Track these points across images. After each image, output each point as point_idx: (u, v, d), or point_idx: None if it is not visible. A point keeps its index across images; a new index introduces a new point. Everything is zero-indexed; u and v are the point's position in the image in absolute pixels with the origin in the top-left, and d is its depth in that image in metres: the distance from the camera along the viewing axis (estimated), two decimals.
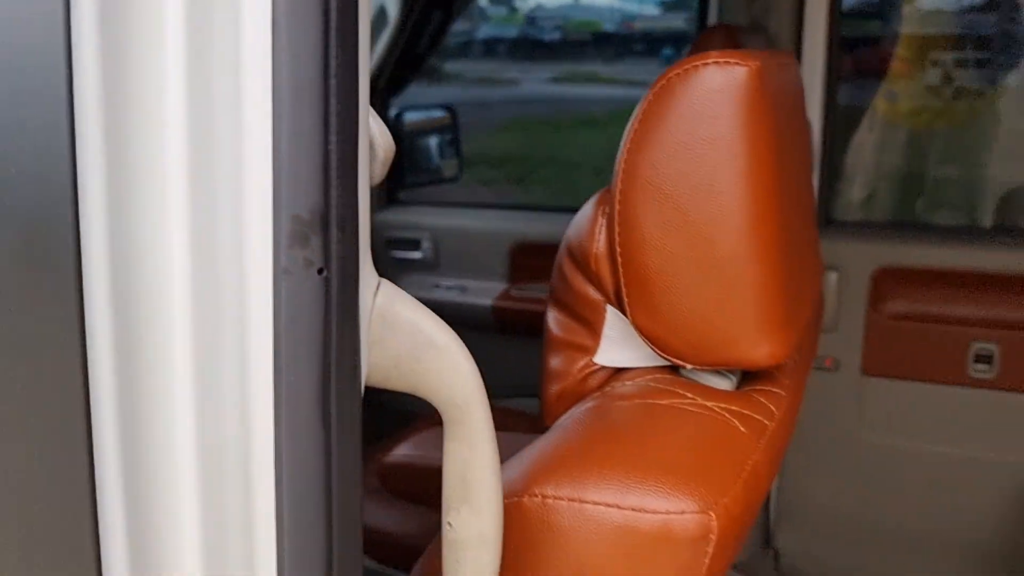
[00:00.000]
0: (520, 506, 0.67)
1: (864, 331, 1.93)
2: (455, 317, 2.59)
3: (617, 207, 0.79)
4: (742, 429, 0.73)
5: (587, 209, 0.87)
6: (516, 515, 0.67)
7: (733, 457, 0.70)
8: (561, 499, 0.66)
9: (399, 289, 0.56)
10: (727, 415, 0.74)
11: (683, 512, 0.63)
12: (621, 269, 0.78)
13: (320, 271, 0.46)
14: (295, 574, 0.47)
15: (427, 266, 2.46)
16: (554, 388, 0.86)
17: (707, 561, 0.63)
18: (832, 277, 1.91)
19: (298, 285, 0.46)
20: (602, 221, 0.83)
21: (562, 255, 0.89)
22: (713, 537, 0.63)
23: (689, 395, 0.76)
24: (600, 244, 0.82)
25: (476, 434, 0.56)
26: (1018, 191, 2.21)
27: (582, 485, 0.67)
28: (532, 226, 2.39)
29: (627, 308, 0.79)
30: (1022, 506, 1.88)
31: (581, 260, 0.85)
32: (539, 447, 0.74)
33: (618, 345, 0.82)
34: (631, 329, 0.79)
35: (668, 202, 0.76)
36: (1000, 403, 1.86)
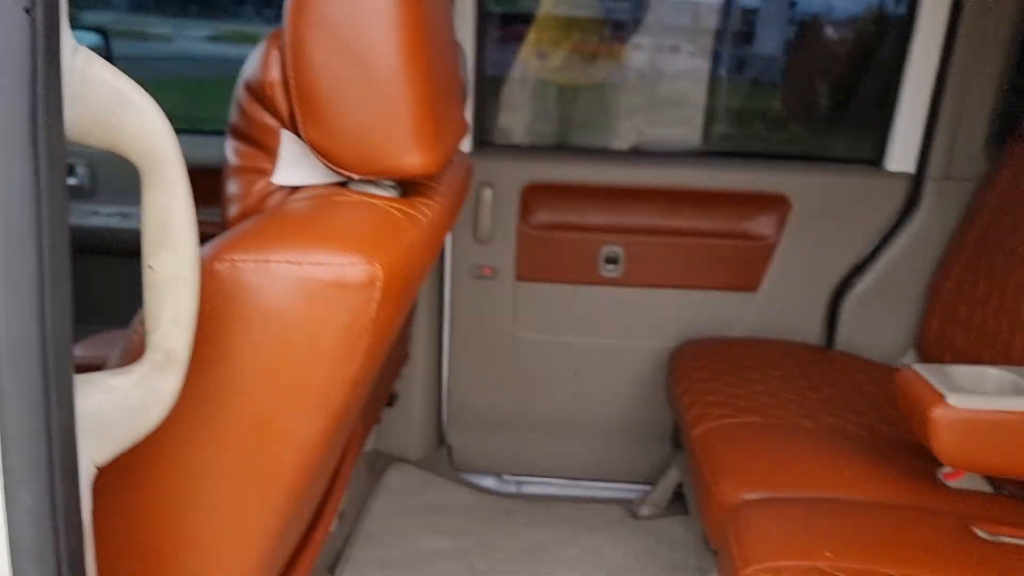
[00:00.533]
0: (212, 270, 0.72)
1: (516, 241, 2.17)
2: (115, 244, 2.45)
3: (288, 39, 0.86)
4: (401, 216, 0.84)
5: (260, 47, 0.94)
6: (209, 279, 0.72)
7: (394, 233, 0.81)
8: (248, 261, 0.73)
9: (96, 55, 0.58)
10: (389, 208, 0.85)
11: (354, 263, 0.73)
12: (294, 92, 0.85)
13: (27, 10, 0.48)
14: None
15: (83, 194, 2.29)
16: (234, 210, 0.91)
17: (375, 306, 0.73)
18: (487, 193, 2.12)
19: (5, 19, 0.47)
20: (275, 53, 0.91)
21: (239, 91, 0.94)
22: (379, 284, 0.73)
23: (356, 197, 0.86)
24: (274, 74, 0.89)
25: (173, 183, 0.60)
26: (635, 125, 2.60)
27: (266, 250, 0.74)
28: (198, 151, 2.33)
29: (300, 127, 0.86)
30: (649, 384, 2.24)
31: (257, 90, 0.91)
32: (225, 234, 0.79)
33: (294, 165, 0.89)
34: (305, 150, 0.87)
35: (333, 32, 0.85)
36: (627, 298, 2.21)
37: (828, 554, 1.24)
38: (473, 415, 2.31)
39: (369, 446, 2.13)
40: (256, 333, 0.72)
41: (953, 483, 1.52)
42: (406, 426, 2.26)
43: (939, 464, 1.53)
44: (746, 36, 2.72)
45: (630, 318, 2.22)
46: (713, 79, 2.64)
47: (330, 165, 0.85)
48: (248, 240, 0.74)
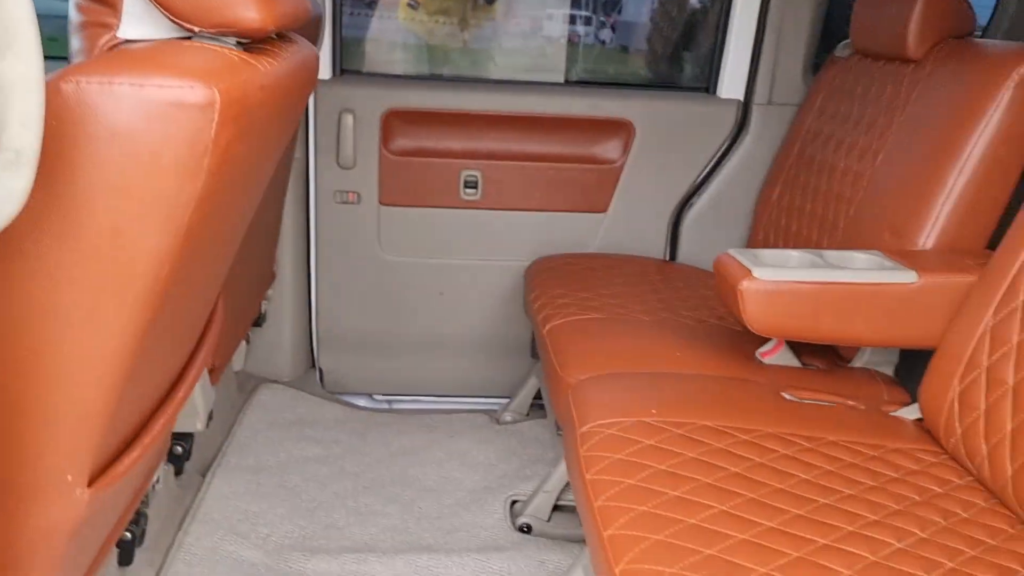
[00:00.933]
0: (57, 89, 0.78)
1: (379, 167, 2.25)
2: None
3: None
4: (238, 60, 0.92)
5: None
6: (54, 98, 0.77)
7: (234, 68, 0.89)
8: (92, 83, 0.79)
9: None
10: (228, 53, 0.93)
11: (192, 86, 0.81)
12: None
13: None
14: None
15: None
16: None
17: (214, 127, 0.81)
18: (348, 119, 2.18)
19: None
20: None
21: None
22: (217, 106, 0.81)
23: (198, 44, 0.93)
24: None
25: None
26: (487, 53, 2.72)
27: (110, 72, 0.80)
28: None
29: None
30: (509, 301, 2.38)
31: None
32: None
33: (137, 19, 0.95)
34: (148, 4, 0.92)
35: None
36: (485, 220, 2.33)
37: (654, 411, 1.40)
38: (343, 337, 2.39)
39: (239, 366, 2.17)
40: (103, 150, 0.78)
41: (768, 360, 1.73)
42: (276, 348, 2.32)
43: (757, 346, 1.73)
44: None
45: (489, 239, 2.35)
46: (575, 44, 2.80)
47: (172, 18, 0.91)
48: (93, 65, 0.81)
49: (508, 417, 2.29)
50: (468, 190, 2.31)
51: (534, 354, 2.35)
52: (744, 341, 1.75)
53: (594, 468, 1.24)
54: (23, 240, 0.78)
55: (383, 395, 2.45)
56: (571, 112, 2.29)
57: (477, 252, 2.35)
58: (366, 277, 2.34)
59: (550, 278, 2.10)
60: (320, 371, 2.41)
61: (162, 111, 0.79)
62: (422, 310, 2.38)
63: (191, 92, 0.80)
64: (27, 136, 0.67)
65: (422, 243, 2.34)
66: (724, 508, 1.15)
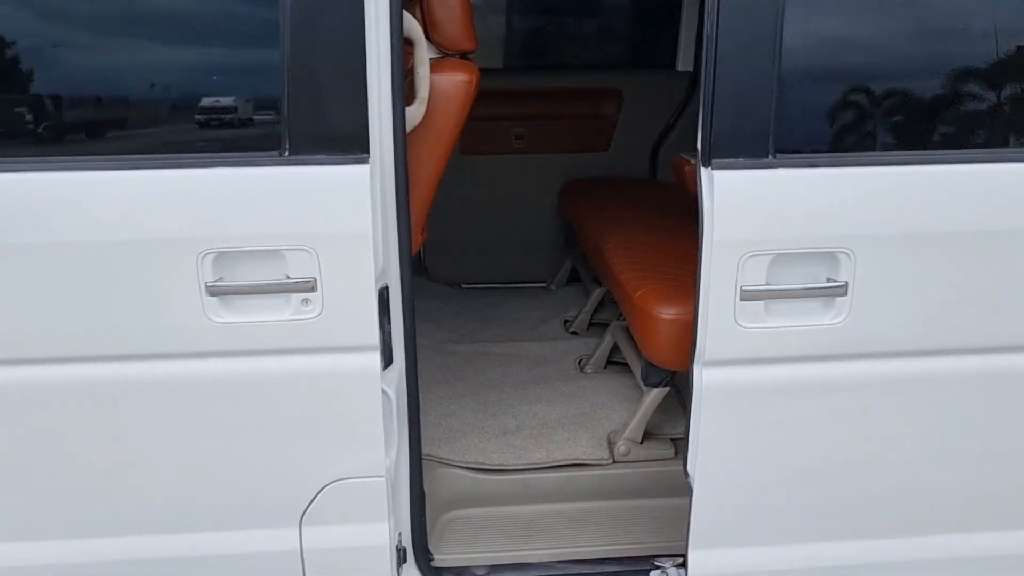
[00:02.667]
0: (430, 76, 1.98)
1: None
2: None
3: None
4: (468, 63, 2.12)
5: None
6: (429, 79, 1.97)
7: (470, 66, 2.08)
8: (436, 74, 1.99)
9: None
10: (463, 60, 2.13)
11: (467, 74, 2.01)
12: (426, 16, 2.09)
13: None
14: None
15: None
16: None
17: (472, 89, 2.03)
18: None
19: None
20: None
21: None
22: (474, 81, 2.02)
23: (453, 59, 2.13)
24: (416, 11, 2.12)
25: None
26: None
27: (437, 71, 2.00)
28: None
29: (429, 32, 2.10)
30: (547, 210, 3.59)
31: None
32: None
33: (424, 49, 2.12)
34: (427, 43, 2.10)
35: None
36: (530, 160, 3.55)
37: None
38: (440, 241, 3.60)
39: None
40: (439, 103, 1.99)
41: None
42: None
43: None
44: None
45: (533, 173, 3.56)
46: None
47: (440, 48, 2.07)
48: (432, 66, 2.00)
49: (553, 287, 3.52)
50: (517, 141, 3.52)
51: (567, 244, 3.56)
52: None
53: None
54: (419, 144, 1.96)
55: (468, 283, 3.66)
56: (581, 85, 3.50)
57: (524, 181, 3.57)
58: (454, 198, 3.53)
59: (576, 194, 3.31)
60: (426, 268, 3.63)
61: (457, 85, 1.98)
62: (490, 219, 3.58)
63: (466, 76, 1.99)
64: (424, 92, 1.87)
65: (490, 178, 3.55)
66: None
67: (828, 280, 1.57)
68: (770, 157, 1.53)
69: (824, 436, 1.69)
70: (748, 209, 1.54)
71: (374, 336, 1.58)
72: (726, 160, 1.53)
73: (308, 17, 1.46)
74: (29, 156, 1.48)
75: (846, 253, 1.56)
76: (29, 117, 1.51)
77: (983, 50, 1.57)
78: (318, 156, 1.50)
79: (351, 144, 1.51)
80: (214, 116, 1.53)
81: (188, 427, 1.61)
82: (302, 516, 1.71)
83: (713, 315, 1.57)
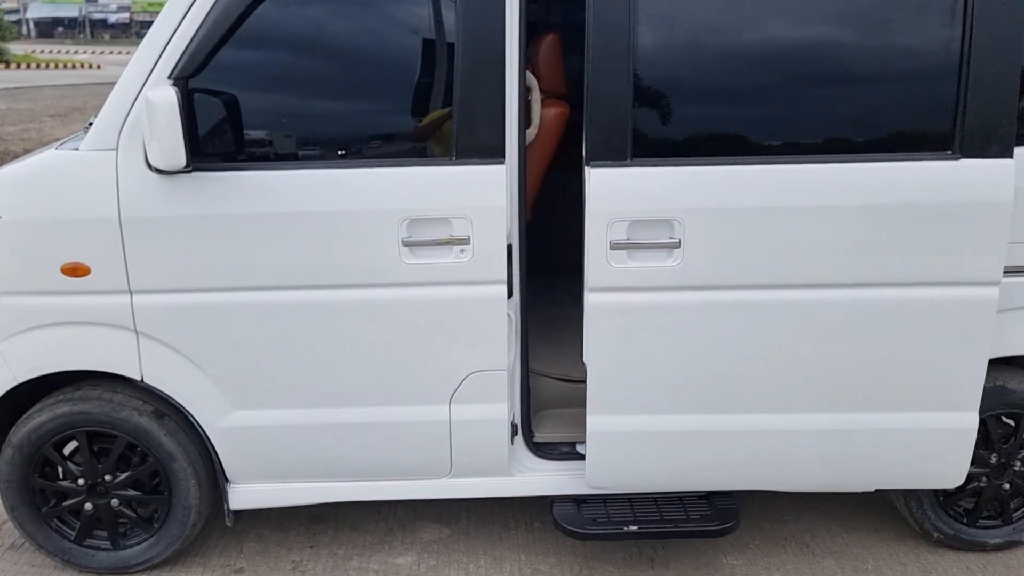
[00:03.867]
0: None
1: None
2: None
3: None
4: (557, 100, 3.04)
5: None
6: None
7: (561, 103, 3.01)
8: (545, 106, 2.92)
9: None
10: (551, 99, 3.05)
11: (563, 107, 2.94)
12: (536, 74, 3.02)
13: None
14: None
15: None
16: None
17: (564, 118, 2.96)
18: None
19: None
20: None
21: None
22: (566, 114, 2.94)
23: (543, 98, 3.06)
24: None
25: None
26: None
27: (544, 107, 2.93)
28: None
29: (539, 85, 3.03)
30: None
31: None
32: None
33: (536, 94, 3.05)
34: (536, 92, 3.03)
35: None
36: None
37: None
38: None
39: None
40: None
41: None
42: None
43: None
44: None
45: None
46: None
47: (543, 91, 2.99)
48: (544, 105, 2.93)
49: None
50: None
51: None
52: None
53: None
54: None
55: None
56: None
57: None
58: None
59: None
60: None
61: (555, 115, 2.91)
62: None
63: (560, 109, 2.91)
64: (536, 119, 2.81)
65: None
66: None
67: (668, 237, 2.41)
68: (628, 160, 2.40)
69: (672, 338, 2.49)
70: (613, 193, 2.39)
71: (503, 275, 2.50)
72: (599, 162, 2.40)
73: (473, 76, 2.40)
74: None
75: (678, 220, 2.41)
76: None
77: (768, 83, 2.40)
78: (474, 159, 2.44)
79: (494, 152, 2.44)
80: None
81: (395, 335, 2.53)
82: (451, 397, 2.62)
83: (592, 259, 2.43)
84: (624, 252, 2.43)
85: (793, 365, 2.53)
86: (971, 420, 2.59)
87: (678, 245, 2.42)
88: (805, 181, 2.40)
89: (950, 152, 2.39)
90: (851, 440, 2.60)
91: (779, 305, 2.48)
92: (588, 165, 2.41)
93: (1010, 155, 2.36)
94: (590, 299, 2.48)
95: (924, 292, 2.46)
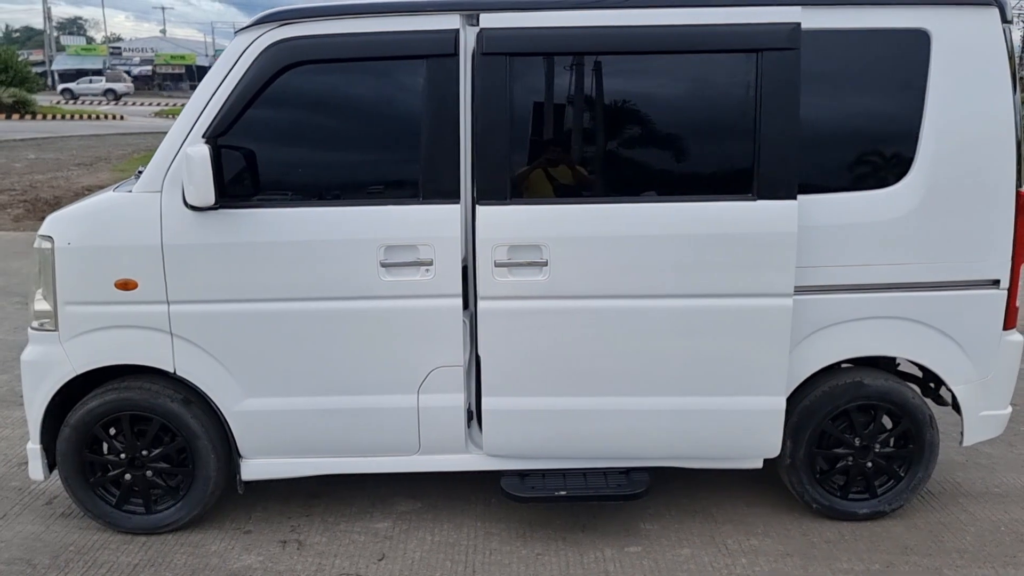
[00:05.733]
0: None
1: None
2: None
3: None
4: None
5: None
6: None
7: None
8: None
9: None
10: None
11: None
12: None
13: None
14: None
15: None
16: None
17: None
18: None
19: None
20: None
21: None
22: None
23: None
24: None
25: None
26: None
27: None
28: None
29: None
30: None
31: None
32: None
33: None
34: None
35: None
36: None
37: None
38: None
39: None
40: None
41: None
42: None
43: None
44: None
45: None
46: None
47: None
48: None
49: None
50: None
51: None
52: None
53: None
54: None
55: None
56: None
57: None
58: None
59: None
60: None
61: None
62: None
63: None
64: None
65: None
66: None
67: (538, 258, 3.10)
68: (508, 199, 3.12)
69: (543, 336, 3.18)
70: (496, 223, 3.10)
71: (460, 290, 3.19)
72: (486, 201, 3.10)
73: (434, 136, 3.14)
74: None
75: (545, 246, 3.10)
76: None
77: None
78: (436, 200, 3.16)
79: (451, 194, 3.15)
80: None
81: (376, 337, 3.22)
82: (419, 387, 3.30)
83: (482, 274, 3.12)
84: (506, 269, 3.15)
85: (638, 357, 3.24)
86: (778, 403, 3.28)
87: (546, 264, 3.14)
88: (641, 216, 3.14)
89: (750, 195, 3.12)
90: (689, 418, 3.30)
91: (625, 311, 3.20)
92: (478, 204, 3.14)
93: (793, 197, 3.10)
94: (481, 306, 3.19)
95: (735, 302, 3.18)
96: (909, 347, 3.32)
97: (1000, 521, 3.51)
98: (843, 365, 3.46)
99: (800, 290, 3.20)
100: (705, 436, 3.32)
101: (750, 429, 3.31)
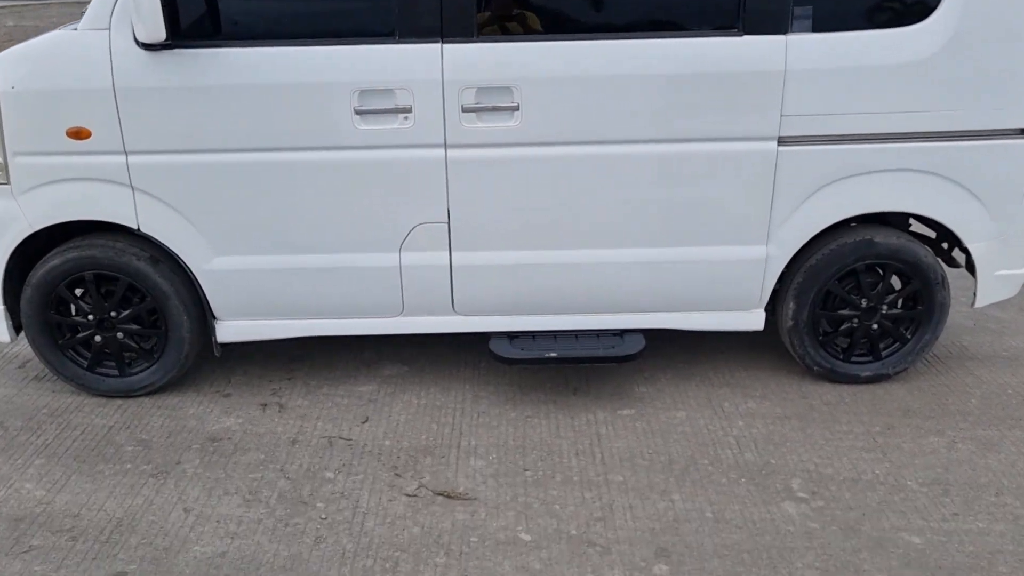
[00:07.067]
0: None
1: None
2: None
3: None
4: None
5: None
6: None
7: None
8: None
9: None
10: None
11: None
12: None
13: None
14: None
15: None
16: None
17: None
18: None
19: None
20: None
21: None
22: None
23: None
24: None
25: None
26: None
27: None
28: None
29: None
30: None
31: None
32: None
33: None
34: None
35: None
36: None
37: None
38: None
39: None
40: None
41: None
42: None
43: None
44: None
45: None
46: None
47: None
48: None
49: None
50: None
51: None
52: None
53: None
54: None
55: None
56: None
57: None
58: None
59: None
60: None
61: None
62: None
63: None
64: None
65: None
66: None
67: (509, 102, 2.85)
68: (476, 36, 2.83)
69: (516, 186, 2.97)
70: (463, 64, 2.83)
71: (441, 139, 2.93)
72: (452, 38, 2.82)
73: None
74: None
75: (516, 87, 2.85)
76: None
77: None
78: (414, 38, 2.85)
79: (427, 31, 2.85)
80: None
81: (352, 192, 2.99)
82: (401, 245, 3.09)
83: (449, 120, 2.87)
84: (474, 115, 2.89)
85: (616, 208, 3.04)
86: (760, 252, 3.11)
87: (517, 108, 2.88)
88: (619, 54, 2.86)
89: (735, 30, 2.86)
90: (669, 270, 3.13)
91: (602, 158, 2.97)
92: (444, 41, 2.85)
93: (783, 32, 2.84)
94: (449, 155, 2.95)
95: (718, 146, 2.96)
96: (925, 202, 3.09)
97: (1007, 384, 3.38)
98: (851, 224, 3.24)
99: (808, 140, 2.95)
100: (686, 289, 3.17)
101: (732, 279, 3.15)
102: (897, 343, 3.33)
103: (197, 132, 2.91)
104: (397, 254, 3.11)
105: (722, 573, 2.38)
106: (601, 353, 3.15)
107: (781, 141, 2.97)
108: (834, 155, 2.99)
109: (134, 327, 3.25)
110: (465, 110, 2.88)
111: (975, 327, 3.90)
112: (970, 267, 3.29)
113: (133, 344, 3.29)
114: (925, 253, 3.20)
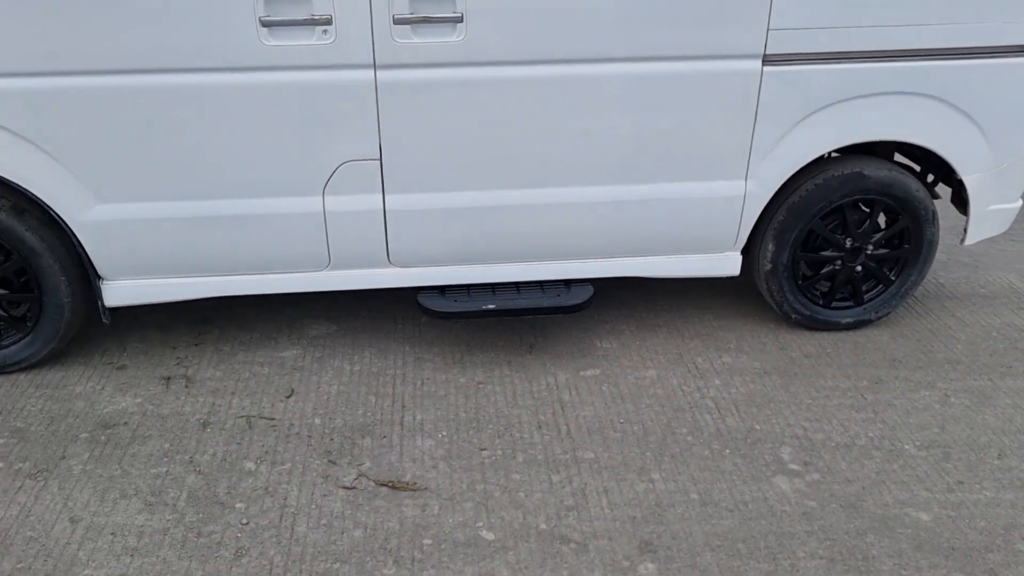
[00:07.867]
0: None
1: None
2: None
3: None
4: None
5: None
6: None
7: None
8: None
9: None
10: None
11: None
12: None
13: None
14: None
15: None
16: None
17: None
18: None
19: None
20: None
21: None
22: None
23: None
24: None
25: None
26: None
27: None
28: None
29: None
30: None
31: None
32: None
33: None
34: None
35: None
36: None
37: None
38: None
39: None
40: None
41: None
42: None
43: None
44: None
45: None
46: None
47: None
48: None
49: None
50: None
51: None
52: None
53: None
54: None
55: None
56: None
57: None
58: None
59: None
60: None
61: None
62: None
63: None
64: None
65: None
66: None
67: (452, 12, 2.37)
68: None
69: (460, 115, 2.51)
70: None
71: (370, 58, 2.42)
72: None
73: None
74: None
75: None
76: None
77: None
78: None
79: None
80: None
81: (262, 123, 2.46)
82: (324, 187, 2.59)
83: (378, 34, 2.37)
84: (408, 27, 2.40)
85: (577, 140, 2.61)
86: (739, 188, 2.74)
87: (461, 19, 2.39)
88: None
89: None
90: (635, 210, 2.73)
91: (561, 80, 2.51)
92: None
93: None
94: (379, 77, 2.45)
95: (693, 65, 2.54)
96: (919, 129, 2.74)
97: (991, 326, 3.15)
98: (833, 155, 2.89)
99: (796, 58, 2.55)
100: (654, 231, 2.78)
101: (706, 221, 2.78)
102: (880, 285, 3.04)
103: (63, 47, 2.32)
104: (320, 198, 2.61)
105: (716, 570, 2.06)
106: (545, 303, 2.75)
107: (766, 60, 2.56)
108: (825, 76, 2.60)
109: (0, 291, 2.69)
110: (397, 21, 2.37)
111: (949, 261, 3.66)
112: (959, 201, 2.99)
113: (2, 311, 2.73)
114: (917, 187, 2.87)
